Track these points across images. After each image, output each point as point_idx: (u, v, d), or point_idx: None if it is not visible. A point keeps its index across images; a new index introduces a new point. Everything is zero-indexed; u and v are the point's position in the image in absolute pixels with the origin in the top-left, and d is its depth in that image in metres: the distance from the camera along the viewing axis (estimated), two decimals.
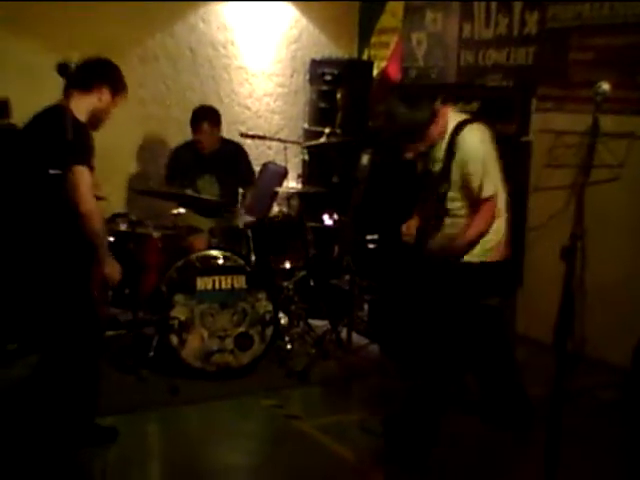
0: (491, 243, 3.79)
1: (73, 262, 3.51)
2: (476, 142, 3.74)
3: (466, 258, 3.76)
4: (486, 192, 3.71)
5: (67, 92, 3.57)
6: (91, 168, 3.50)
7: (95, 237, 3.52)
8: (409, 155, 3.95)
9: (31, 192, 3.55)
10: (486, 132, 3.82)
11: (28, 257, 3.53)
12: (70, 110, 3.45)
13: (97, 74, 3.66)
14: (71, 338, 3.45)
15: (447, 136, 3.73)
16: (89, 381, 3.56)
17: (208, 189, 5.64)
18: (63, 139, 3.28)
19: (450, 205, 3.77)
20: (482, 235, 3.75)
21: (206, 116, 5.62)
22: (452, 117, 3.82)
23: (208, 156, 5.65)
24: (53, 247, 3.52)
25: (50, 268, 3.51)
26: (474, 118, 3.89)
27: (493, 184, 3.76)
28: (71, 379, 3.45)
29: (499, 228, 3.83)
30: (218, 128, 5.69)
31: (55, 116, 3.47)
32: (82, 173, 3.44)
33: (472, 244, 3.76)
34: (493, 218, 3.77)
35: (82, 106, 3.58)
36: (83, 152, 3.46)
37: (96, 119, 3.65)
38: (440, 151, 3.77)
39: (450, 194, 3.74)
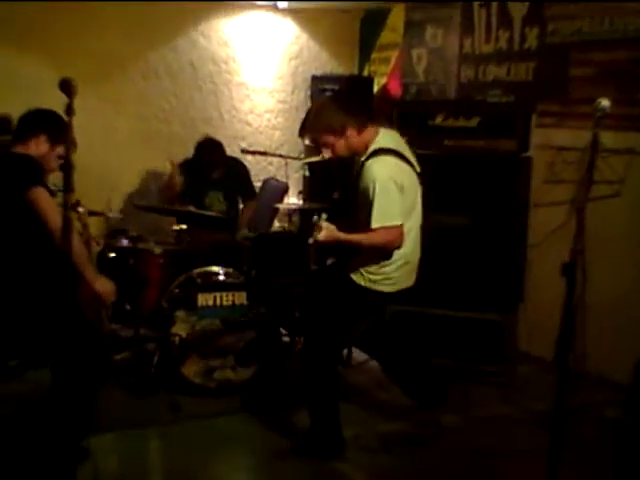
0: (379, 277, 3.92)
1: (54, 282, 3.51)
2: (381, 174, 3.77)
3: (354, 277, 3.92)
4: (375, 223, 3.76)
5: (11, 147, 3.74)
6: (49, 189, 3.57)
7: (71, 255, 3.42)
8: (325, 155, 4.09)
9: (11, 216, 3.59)
10: (400, 168, 3.88)
11: (15, 277, 3.54)
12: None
13: (34, 124, 3.74)
14: (65, 357, 3.42)
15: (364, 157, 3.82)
16: (84, 402, 3.53)
17: (217, 206, 5.66)
18: (13, 170, 3.49)
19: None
20: (373, 248, 3.85)
21: (209, 154, 5.59)
22: (378, 141, 3.87)
23: (214, 174, 5.67)
24: (35, 267, 3.54)
25: (34, 288, 3.51)
26: (393, 151, 3.90)
27: (392, 216, 3.80)
28: (68, 399, 3.44)
29: (401, 258, 3.96)
30: (221, 157, 5.67)
31: (3, 156, 3.69)
32: (39, 192, 3.50)
33: (358, 248, 3.87)
34: (389, 243, 3.85)
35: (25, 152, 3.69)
36: (34, 175, 3.55)
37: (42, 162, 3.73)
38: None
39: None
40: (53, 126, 3.70)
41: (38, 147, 3.71)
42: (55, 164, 3.73)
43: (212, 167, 5.56)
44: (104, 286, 3.71)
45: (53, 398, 3.48)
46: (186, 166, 5.77)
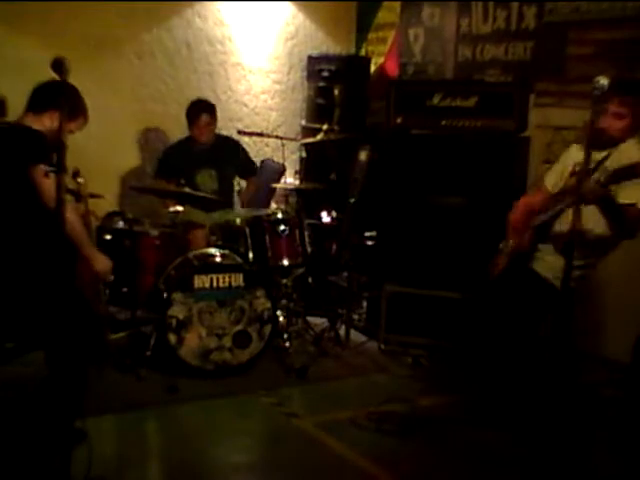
0: None
1: (52, 260, 3.49)
2: None
3: None
4: None
5: (23, 114, 3.71)
6: (55, 165, 3.50)
7: (71, 232, 3.50)
8: None
9: (10, 192, 3.57)
10: None
11: (12, 256, 3.52)
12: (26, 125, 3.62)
13: (50, 98, 3.67)
14: (59, 336, 3.41)
15: None
16: (79, 382, 3.52)
17: (208, 183, 5.68)
18: (19, 144, 3.46)
19: None
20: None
21: (204, 109, 5.67)
22: None
23: (205, 150, 5.67)
24: (33, 245, 3.52)
25: (32, 267, 3.49)
26: None
27: None
28: (64, 379, 3.43)
29: None
30: (215, 121, 5.73)
31: (12, 129, 3.65)
32: (41, 170, 3.47)
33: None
34: None
35: (37, 126, 3.64)
36: (39, 152, 3.50)
37: (53, 141, 3.66)
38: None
39: None
40: (69, 102, 3.61)
41: (52, 122, 3.64)
42: (66, 138, 3.70)
43: (200, 128, 5.60)
44: (102, 263, 3.73)
45: (46, 378, 3.47)
46: (176, 146, 5.77)
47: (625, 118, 3.69)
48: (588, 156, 3.16)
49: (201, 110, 5.64)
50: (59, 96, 3.57)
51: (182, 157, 5.64)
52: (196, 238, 5.12)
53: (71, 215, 3.51)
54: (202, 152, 5.68)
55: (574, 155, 3.93)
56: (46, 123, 3.66)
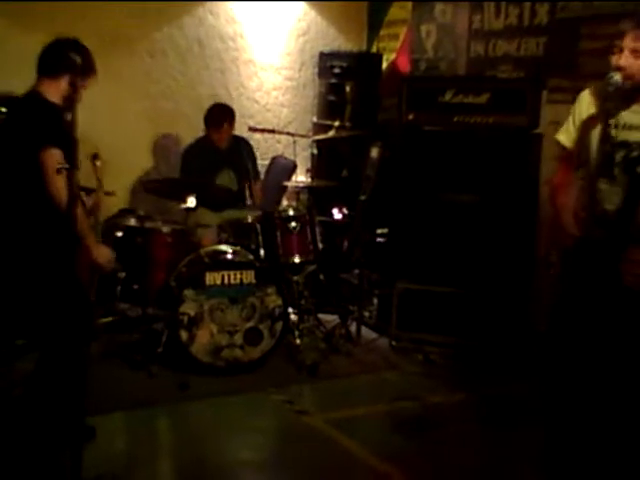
0: None
1: (54, 249, 3.48)
2: None
3: None
4: None
5: (38, 78, 3.67)
6: (68, 152, 3.38)
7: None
8: None
9: (12, 178, 3.56)
10: None
11: (12, 246, 3.52)
12: (43, 95, 3.57)
13: (61, 62, 3.64)
14: (62, 329, 3.39)
15: None
16: (79, 375, 3.50)
17: (228, 183, 5.72)
18: (34, 122, 3.43)
19: None
20: None
21: (227, 116, 5.71)
22: None
23: (224, 152, 5.71)
24: (34, 234, 3.51)
25: (31, 256, 3.48)
26: None
27: None
28: (64, 372, 3.41)
29: None
30: (234, 125, 5.78)
31: (29, 101, 3.60)
32: (51, 155, 3.43)
33: None
34: None
35: (53, 91, 3.60)
36: (53, 133, 3.46)
37: (69, 101, 3.52)
38: None
39: None
40: (80, 61, 3.63)
41: (68, 86, 3.56)
42: (81, 96, 3.56)
43: (221, 134, 5.64)
44: (103, 254, 3.71)
45: (38, 375, 3.45)
46: (195, 146, 5.77)
47: None
48: (603, 150, 3.06)
49: (223, 117, 5.69)
50: (67, 60, 3.62)
51: (202, 158, 5.65)
52: (205, 238, 5.11)
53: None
54: (221, 153, 5.73)
55: (586, 106, 3.29)
56: (63, 87, 3.60)
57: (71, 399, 3.40)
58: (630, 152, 3.06)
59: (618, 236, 2.99)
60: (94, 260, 3.65)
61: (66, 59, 3.62)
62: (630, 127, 3.06)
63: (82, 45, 3.71)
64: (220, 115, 5.69)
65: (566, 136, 3.38)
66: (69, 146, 3.14)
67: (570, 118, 3.39)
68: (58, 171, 3.31)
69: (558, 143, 3.43)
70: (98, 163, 4.15)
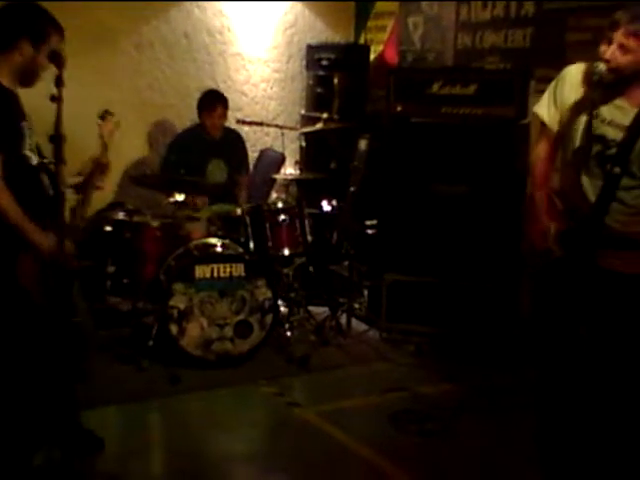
0: None
1: None
2: None
3: None
4: None
5: None
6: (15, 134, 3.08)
7: (7, 220, 3.00)
8: None
9: None
10: None
11: None
12: None
13: (11, 29, 3.16)
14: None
15: None
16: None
17: (217, 174, 5.72)
18: None
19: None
20: None
21: (220, 100, 5.72)
22: None
23: (216, 141, 5.71)
24: None
25: None
26: None
27: None
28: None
29: None
30: (227, 113, 5.78)
31: None
32: None
33: None
34: None
35: (4, 68, 3.14)
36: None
37: (26, 75, 3.21)
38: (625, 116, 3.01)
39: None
40: (33, 24, 3.19)
41: (23, 54, 3.14)
42: (45, 62, 3.15)
43: (214, 119, 5.63)
44: (46, 241, 3.06)
45: None
46: (188, 134, 5.77)
47: (630, 53, 2.94)
48: (590, 141, 3.07)
49: (216, 101, 5.69)
50: (17, 25, 3.16)
51: (194, 145, 5.66)
52: (194, 231, 5.10)
53: (3, 199, 2.98)
54: (213, 142, 5.72)
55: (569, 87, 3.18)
56: (17, 60, 3.15)
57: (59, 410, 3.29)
58: (607, 149, 3.01)
59: (591, 231, 2.99)
60: (41, 251, 3.06)
61: (14, 27, 3.16)
62: (609, 122, 3.02)
63: (32, 8, 3.25)
64: (214, 99, 5.69)
65: (546, 112, 3.25)
66: (17, 138, 2.94)
67: (551, 93, 3.26)
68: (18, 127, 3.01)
69: (535, 115, 3.31)
70: (109, 118, 3.77)
